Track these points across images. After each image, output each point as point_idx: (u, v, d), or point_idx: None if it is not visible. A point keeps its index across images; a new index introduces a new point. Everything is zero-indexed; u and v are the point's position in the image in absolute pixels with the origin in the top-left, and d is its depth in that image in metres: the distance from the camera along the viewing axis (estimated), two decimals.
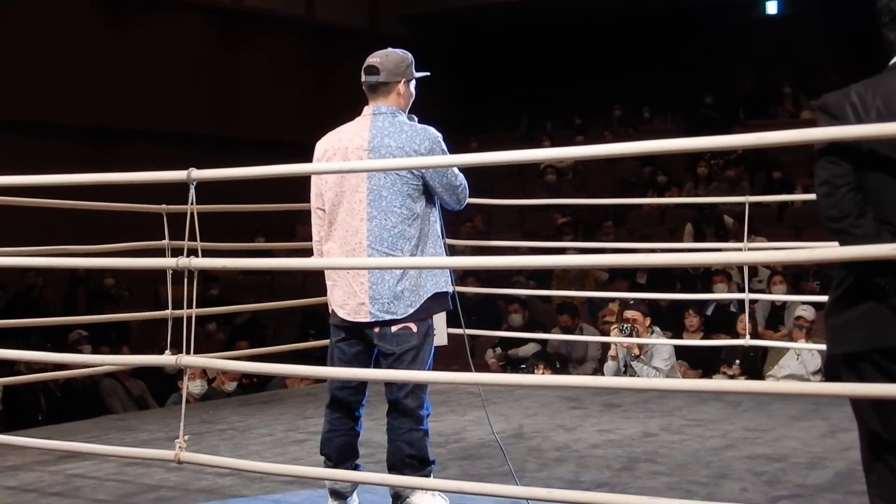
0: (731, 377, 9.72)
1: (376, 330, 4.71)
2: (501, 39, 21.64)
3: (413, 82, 4.88)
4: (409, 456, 4.71)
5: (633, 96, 20.30)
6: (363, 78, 4.81)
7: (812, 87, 17.82)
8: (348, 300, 4.74)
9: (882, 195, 3.27)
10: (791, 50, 19.80)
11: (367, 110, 4.80)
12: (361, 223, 4.68)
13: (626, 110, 20.37)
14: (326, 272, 4.87)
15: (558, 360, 10.51)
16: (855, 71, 3.55)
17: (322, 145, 4.85)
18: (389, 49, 4.87)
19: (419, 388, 4.75)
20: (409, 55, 4.87)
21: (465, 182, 4.82)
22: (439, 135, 4.74)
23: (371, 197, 4.67)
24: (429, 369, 4.82)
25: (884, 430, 3.34)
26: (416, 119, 4.83)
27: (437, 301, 4.77)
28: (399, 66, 4.80)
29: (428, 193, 4.76)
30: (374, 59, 4.81)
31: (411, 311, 4.67)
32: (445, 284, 4.78)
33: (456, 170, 4.78)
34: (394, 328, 4.69)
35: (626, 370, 8.94)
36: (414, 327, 4.71)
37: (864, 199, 3.27)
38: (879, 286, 3.27)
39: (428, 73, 4.95)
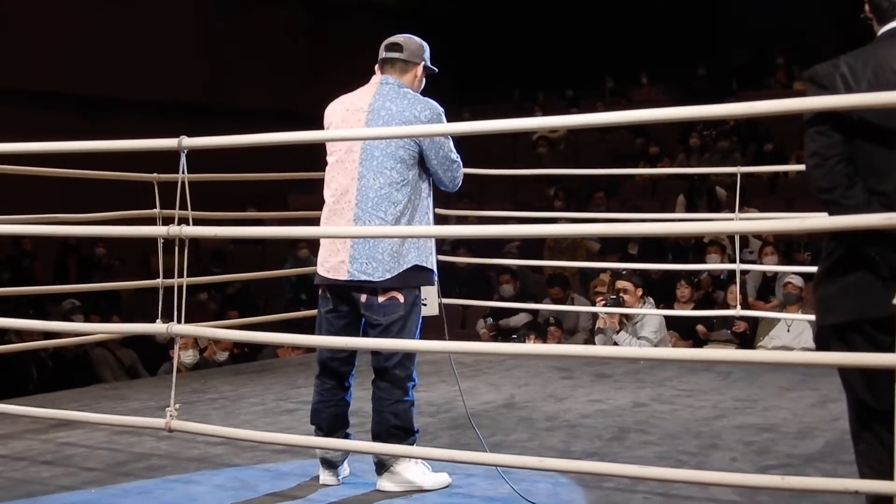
0: (731, 334, 9.78)
1: (363, 299, 4.73)
2: (494, 9, 21.56)
3: (425, 74, 4.99)
4: (395, 427, 4.76)
5: (626, 67, 20.23)
6: (383, 54, 4.92)
7: (805, 58, 17.76)
8: (329, 257, 4.78)
9: (872, 165, 3.27)
10: (785, 21, 19.72)
11: (375, 78, 4.90)
12: (352, 182, 4.73)
13: (619, 81, 20.32)
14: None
15: (555, 323, 10.54)
16: (848, 42, 3.55)
17: (328, 109, 4.95)
18: (409, 35, 4.99)
19: (407, 358, 4.78)
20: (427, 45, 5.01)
21: (460, 161, 4.86)
22: (442, 109, 4.80)
23: (363, 156, 4.72)
24: (416, 339, 4.84)
25: (872, 398, 3.35)
26: None
27: (420, 274, 4.78)
28: (420, 50, 4.95)
29: (423, 165, 4.78)
30: (397, 38, 4.95)
31: (388, 276, 4.68)
32: (428, 260, 4.78)
33: (453, 147, 4.81)
34: (381, 298, 4.72)
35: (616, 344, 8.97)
36: (400, 297, 4.73)
37: (853, 169, 3.28)
38: (870, 256, 3.27)
39: (436, 70, 5.05)
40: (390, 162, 4.70)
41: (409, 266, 4.71)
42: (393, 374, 4.75)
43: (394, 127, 4.68)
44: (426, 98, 4.84)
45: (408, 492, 4.77)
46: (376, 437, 4.78)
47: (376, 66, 4.94)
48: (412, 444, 4.80)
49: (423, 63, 4.94)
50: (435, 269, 4.87)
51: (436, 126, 4.72)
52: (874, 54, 3.34)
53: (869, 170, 3.27)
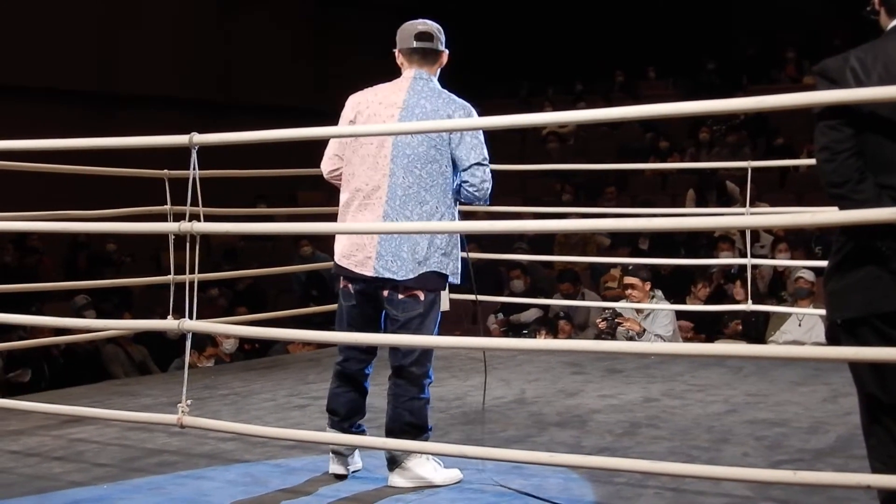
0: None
1: (385, 293, 4.75)
2: (501, 3, 21.52)
3: None
4: (409, 423, 4.76)
5: (635, 62, 20.20)
6: (415, 44, 4.86)
7: (815, 52, 17.73)
8: (356, 252, 4.77)
9: (883, 159, 3.27)
10: (794, 14, 19.68)
11: (408, 73, 4.86)
12: (383, 179, 4.71)
13: (627, 76, 20.28)
14: (339, 219, 4.89)
15: (565, 318, 10.53)
16: (858, 36, 3.54)
17: (355, 98, 4.89)
18: (428, 20, 4.96)
19: (425, 356, 4.79)
20: None
21: (489, 173, 4.80)
22: (475, 111, 4.79)
23: (395, 153, 4.70)
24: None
25: (882, 393, 3.35)
26: None
27: (440, 280, 4.78)
28: (442, 35, 4.92)
29: (454, 170, 4.77)
30: (424, 26, 4.90)
31: (411, 276, 4.69)
32: (448, 268, 4.78)
33: (486, 155, 4.77)
34: (401, 295, 4.73)
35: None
36: (421, 296, 4.75)
37: (864, 164, 3.27)
38: (880, 251, 3.27)
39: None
40: (420, 161, 4.68)
41: (428, 270, 4.71)
42: (410, 371, 4.76)
43: (409, 123, 4.67)
44: (460, 99, 4.82)
45: (419, 487, 4.77)
46: (389, 433, 4.79)
47: (401, 56, 4.90)
48: (425, 441, 4.80)
49: (445, 50, 4.93)
50: (458, 280, 4.85)
51: (446, 122, 4.71)
52: (884, 48, 3.34)
53: (879, 164, 3.27)
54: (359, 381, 4.94)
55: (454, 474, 4.85)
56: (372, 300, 4.82)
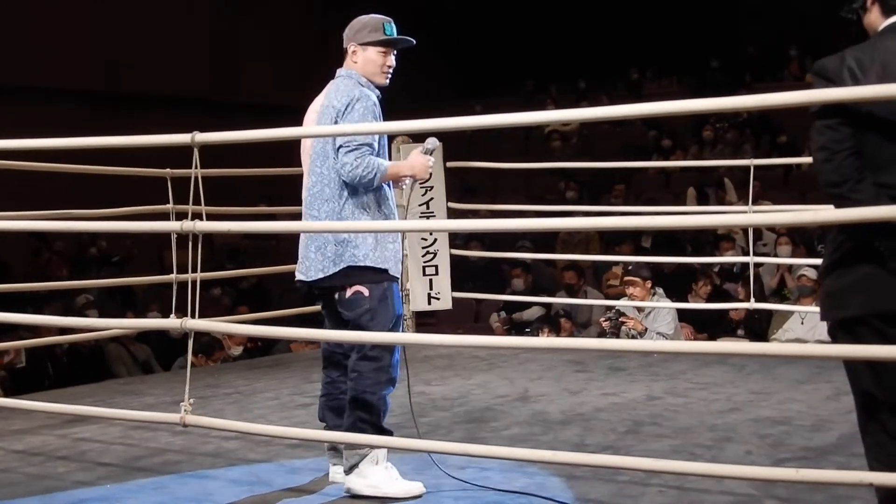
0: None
1: (335, 296, 4.75)
2: (505, 1, 21.54)
3: (373, 48, 4.81)
4: (360, 419, 4.65)
5: (639, 59, 20.21)
6: None
7: (819, 50, 17.72)
8: (302, 262, 4.83)
9: (881, 159, 3.26)
10: (798, 13, 19.68)
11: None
12: (305, 183, 4.83)
13: (632, 73, 20.28)
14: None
15: (565, 315, 10.53)
16: (861, 34, 3.54)
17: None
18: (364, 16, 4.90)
19: (375, 349, 4.65)
20: (369, 20, 4.86)
21: (351, 160, 4.58)
22: (366, 94, 4.70)
23: (311, 158, 4.79)
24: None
25: (879, 391, 3.34)
26: (371, 84, 4.82)
27: (361, 273, 4.67)
28: (349, 32, 4.88)
29: None
30: None
31: (321, 275, 4.69)
32: (368, 258, 4.66)
33: (354, 137, 4.60)
34: (347, 293, 4.70)
35: None
36: (365, 291, 4.68)
37: (862, 163, 3.27)
38: (878, 250, 3.26)
39: (384, 39, 4.82)
40: (319, 159, 4.72)
41: (343, 266, 4.66)
42: (360, 364, 4.66)
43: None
44: (356, 87, 4.74)
45: (376, 496, 4.62)
46: (346, 428, 4.69)
47: None
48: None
49: (354, 43, 4.83)
50: (386, 267, 4.71)
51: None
52: (881, 48, 3.34)
53: (877, 163, 3.27)
54: (342, 388, 4.84)
55: (414, 487, 4.69)
56: (326, 299, 4.85)
